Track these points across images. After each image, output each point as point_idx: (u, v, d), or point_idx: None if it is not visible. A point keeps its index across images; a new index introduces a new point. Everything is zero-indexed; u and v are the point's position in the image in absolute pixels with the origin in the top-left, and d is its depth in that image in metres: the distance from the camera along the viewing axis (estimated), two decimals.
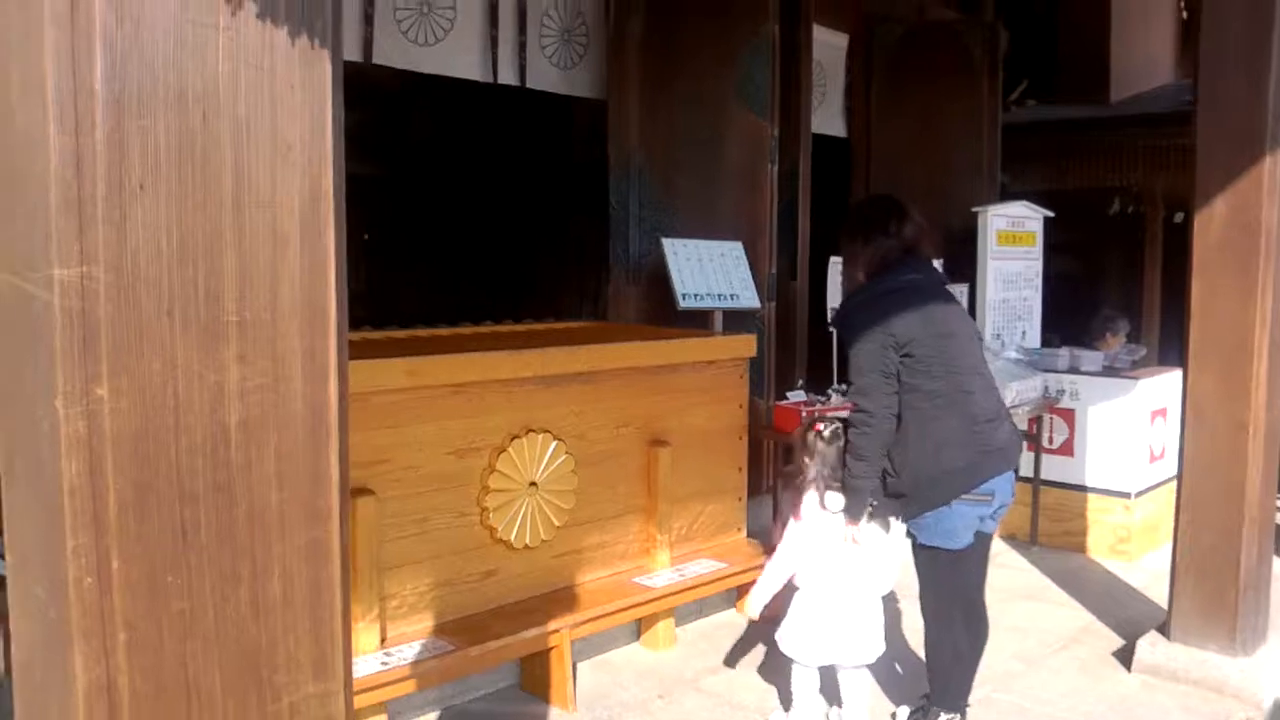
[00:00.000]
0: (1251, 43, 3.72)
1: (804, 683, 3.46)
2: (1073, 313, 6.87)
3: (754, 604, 3.50)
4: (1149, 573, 5.12)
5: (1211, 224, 3.84)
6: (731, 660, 4.04)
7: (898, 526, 3.37)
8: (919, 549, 3.26)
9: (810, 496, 3.42)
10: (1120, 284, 9.11)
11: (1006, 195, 7.13)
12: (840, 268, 4.14)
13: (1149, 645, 3.98)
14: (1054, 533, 5.63)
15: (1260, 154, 3.73)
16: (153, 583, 1.06)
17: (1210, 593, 3.87)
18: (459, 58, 5.02)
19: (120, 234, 1.02)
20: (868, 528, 3.34)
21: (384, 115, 9.00)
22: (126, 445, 1.04)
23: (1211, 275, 3.84)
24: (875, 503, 3.29)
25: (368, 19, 4.66)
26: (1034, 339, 6.61)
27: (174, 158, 1.04)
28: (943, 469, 3.14)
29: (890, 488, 3.23)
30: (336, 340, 1.14)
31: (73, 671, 1.03)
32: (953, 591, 3.28)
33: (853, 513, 3.29)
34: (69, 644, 1.03)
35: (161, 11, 1.03)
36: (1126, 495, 5.45)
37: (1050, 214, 6.72)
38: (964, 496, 3.13)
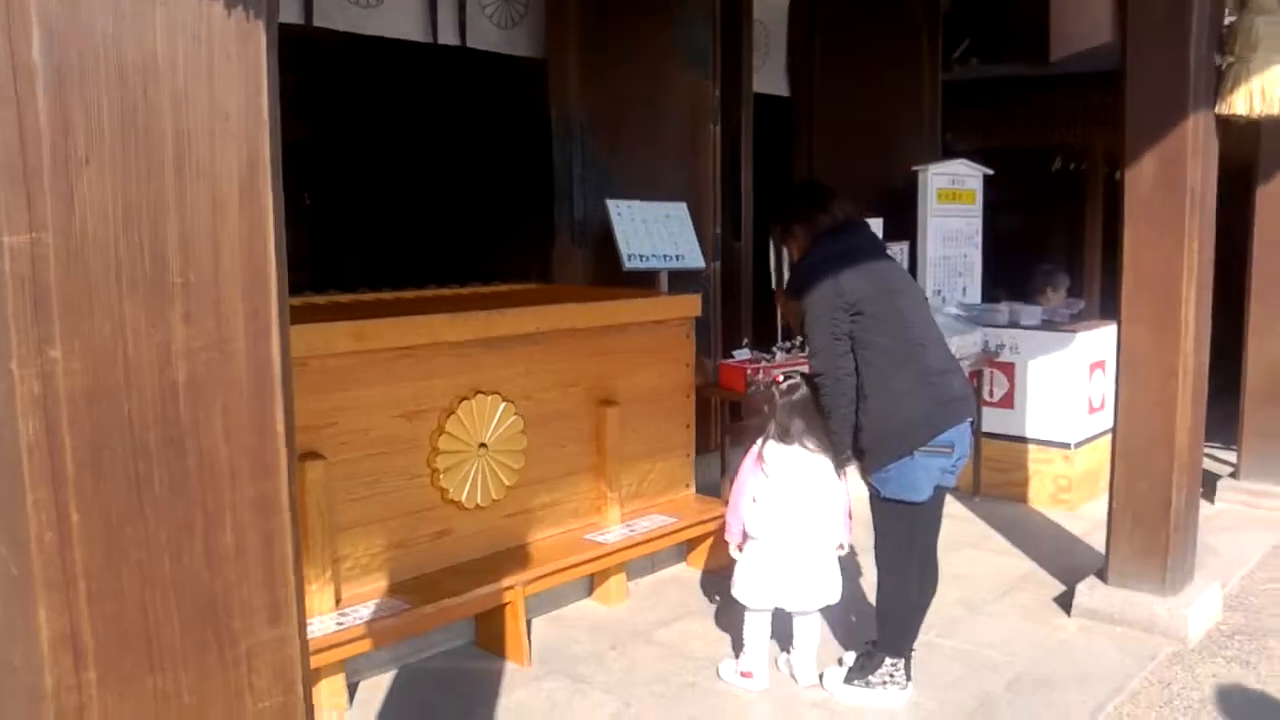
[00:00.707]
0: (1174, 4, 3.83)
1: (755, 628, 3.56)
2: (1018, 268, 7.01)
3: (731, 544, 3.61)
4: (1089, 521, 5.29)
5: (1140, 181, 3.96)
6: (685, 613, 4.14)
7: (851, 476, 3.48)
8: (881, 502, 3.35)
9: (767, 447, 3.51)
10: (1064, 240, 9.30)
11: (951, 154, 7.23)
12: (778, 243, 4.23)
13: (1087, 589, 4.14)
14: (996, 483, 5.79)
15: (1184, 113, 3.85)
16: (111, 534, 1.11)
17: (1144, 537, 4.03)
18: (400, 19, 4.99)
19: (67, 203, 1.06)
20: (816, 477, 3.44)
21: (324, 77, 8.91)
22: (80, 403, 1.09)
23: (1141, 229, 3.97)
24: (847, 454, 3.40)
25: None
26: (974, 295, 6.75)
27: (117, 129, 1.08)
28: (902, 420, 3.24)
29: (858, 442, 3.34)
30: (277, 301, 1.19)
31: (37, 623, 1.08)
32: (910, 543, 3.39)
33: (836, 461, 3.42)
34: (32, 596, 1.08)
35: None
36: (1066, 446, 5.62)
37: (989, 171, 6.84)
38: (924, 448, 3.24)
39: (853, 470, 3.48)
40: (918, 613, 3.48)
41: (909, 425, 3.23)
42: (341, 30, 4.88)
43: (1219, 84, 3.98)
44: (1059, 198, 9.10)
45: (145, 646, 1.14)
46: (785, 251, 3.76)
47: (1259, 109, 3.94)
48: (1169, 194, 3.90)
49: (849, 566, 3.91)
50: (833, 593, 3.53)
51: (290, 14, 4.61)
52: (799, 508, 3.45)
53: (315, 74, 8.95)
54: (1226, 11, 4.05)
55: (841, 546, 3.55)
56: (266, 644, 1.22)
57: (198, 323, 1.14)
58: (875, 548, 3.42)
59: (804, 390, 3.47)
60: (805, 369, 3.61)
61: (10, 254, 1.04)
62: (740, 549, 3.58)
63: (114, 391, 1.10)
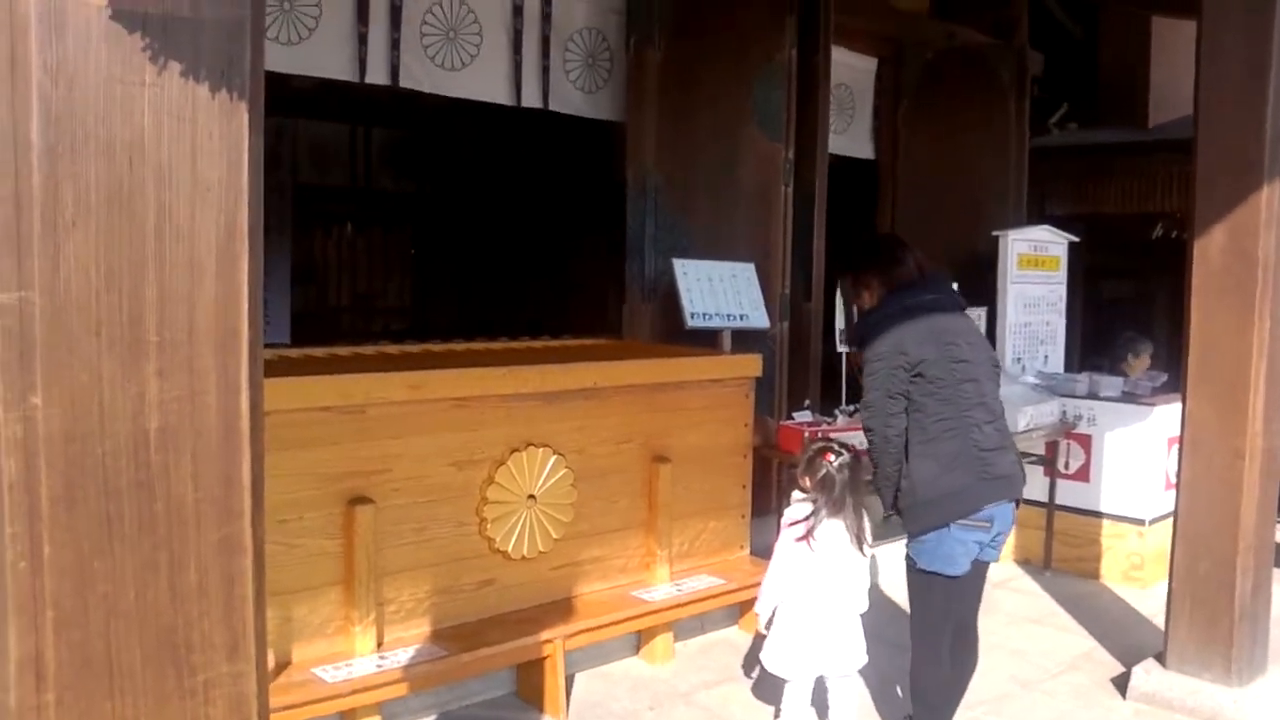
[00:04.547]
0: (1249, 72, 3.77)
1: (794, 698, 3.54)
2: (1119, 337, 6.85)
3: (761, 618, 3.61)
4: (1161, 600, 5.09)
5: (1210, 252, 3.88)
6: (729, 676, 4.12)
7: (868, 549, 3.48)
8: (916, 573, 3.30)
9: (793, 511, 3.52)
10: (1168, 309, 9.06)
11: (1047, 219, 7.14)
12: (849, 296, 4.21)
13: (1144, 673, 4.01)
14: (1067, 558, 5.64)
15: (1258, 182, 3.77)
16: (80, 567, 1.22)
17: (1205, 621, 3.89)
18: (484, 82, 5.21)
19: (54, 264, 1.18)
20: (848, 549, 3.44)
21: (427, 133, 9.29)
22: (58, 446, 1.20)
23: (1210, 304, 3.88)
24: (890, 514, 3.38)
25: (394, 44, 4.86)
26: (1057, 363, 6.63)
27: (103, 199, 1.20)
28: (942, 491, 3.20)
29: (897, 503, 3.32)
30: (249, 358, 1.29)
31: (6, 645, 1.19)
32: (944, 618, 3.32)
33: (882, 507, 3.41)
34: (4, 620, 1.19)
35: (93, 72, 1.19)
36: (1141, 522, 5.46)
37: (1075, 239, 6.74)
38: (962, 521, 3.19)
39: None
40: (954, 688, 3.41)
41: (949, 496, 3.19)
42: (427, 92, 5.11)
43: None
44: (1160, 265, 8.89)
45: (107, 673, 1.23)
46: (854, 308, 3.73)
47: None
48: (1240, 265, 3.81)
49: (898, 637, 3.86)
50: (862, 654, 3.52)
51: (377, 75, 4.85)
52: (834, 577, 3.44)
53: (423, 130, 9.35)
54: None
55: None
56: (224, 678, 1.30)
57: (171, 377, 1.25)
58: (910, 620, 3.38)
59: (853, 464, 3.47)
60: (845, 439, 3.61)
61: (1, 310, 1.16)
62: (768, 626, 3.57)
63: (89, 436, 1.21)
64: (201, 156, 1.25)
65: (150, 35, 1.19)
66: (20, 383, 1.17)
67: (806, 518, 3.46)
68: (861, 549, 3.46)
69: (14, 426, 1.17)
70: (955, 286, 5.36)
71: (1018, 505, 3.35)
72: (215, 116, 1.26)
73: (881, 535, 3.66)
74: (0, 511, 1.19)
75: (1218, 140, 3.85)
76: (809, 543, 3.44)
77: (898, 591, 3.59)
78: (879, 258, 3.50)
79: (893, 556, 3.58)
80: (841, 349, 4.76)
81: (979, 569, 3.34)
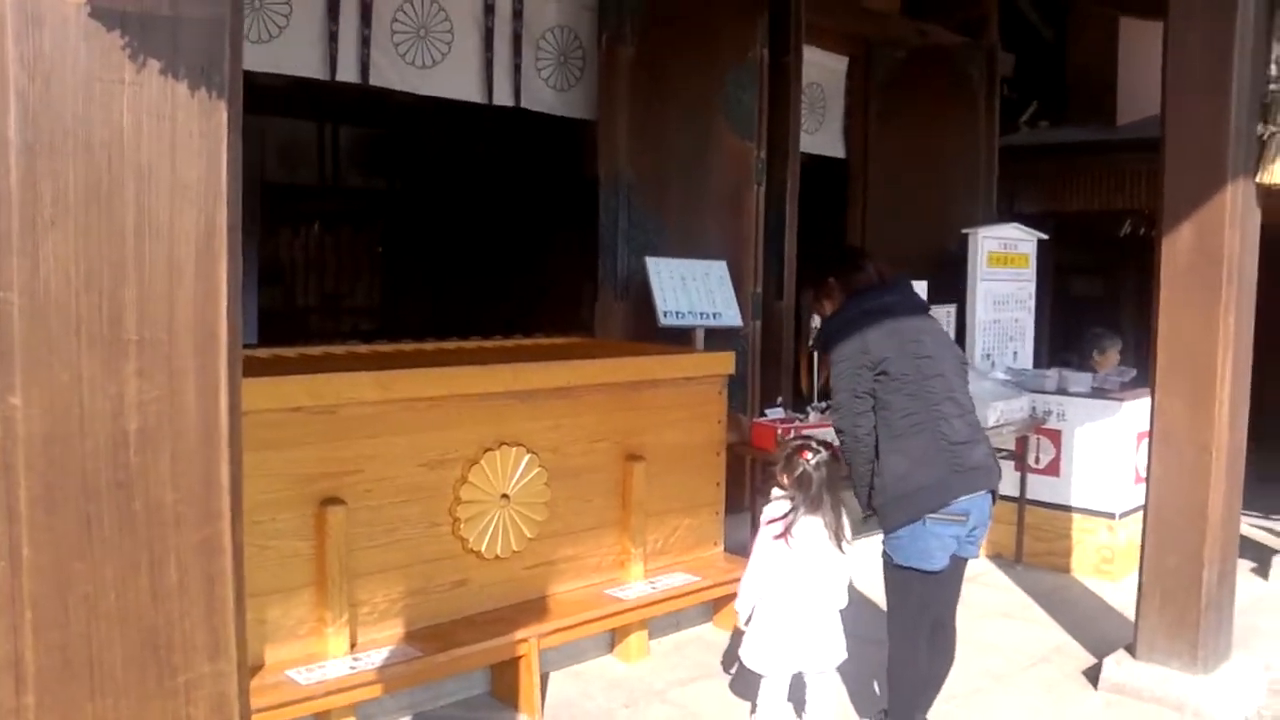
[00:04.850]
0: (1211, 69, 3.81)
1: (770, 693, 3.56)
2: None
3: (741, 615, 3.63)
4: (1131, 593, 5.15)
5: (1177, 249, 3.93)
6: (704, 673, 4.14)
7: (847, 546, 3.50)
8: (892, 569, 3.34)
9: (771, 509, 3.53)
10: (1137, 305, 9.17)
11: (1017, 217, 7.20)
12: (813, 308, 4.26)
13: (1115, 664, 4.06)
14: (1038, 552, 5.70)
15: (1223, 181, 3.82)
16: (59, 568, 1.21)
17: (1174, 612, 3.94)
18: (455, 80, 5.18)
19: (33, 263, 1.17)
20: (827, 546, 3.46)
21: (399, 131, 9.25)
22: (37, 447, 1.19)
23: (1177, 300, 3.93)
24: (868, 514, 3.41)
25: (365, 41, 4.83)
26: (1025, 359, 6.70)
27: (81, 197, 1.19)
28: (913, 485, 3.23)
29: (872, 501, 3.35)
30: (228, 359, 1.28)
31: None
32: (921, 613, 3.36)
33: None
34: None
35: (71, 70, 1.18)
36: (1111, 516, 5.52)
37: (1044, 236, 6.81)
38: (937, 515, 3.22)
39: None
40: (930, 683, 3.45)
41: (920, 490, 3.22)
42: (398, 90, 5.08)
43: (1260, 153, 3.93)
44: (1129, 262, 8.99)
45: (88, 674, 1.23)
46: (818, 318, 3.81)
47: None
48: (1206, 263, 3.86)
49: (875, 633, 3.89)
50: (841, 650, 3.53)
51: (348, 73, 4.82)
52: (812, 573, 3.46)
53: (393, 127, 9.30)
54: (1269, 81, 4.01)
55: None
56: (205, 678, 1.29)
57: (150, 377, 1.24)
58: (887, 615, 3.41)
59: (831, 462, 3.49)
60: (823, 435, 3.63)
61: None
62: (748, 623, 3.59)
63: (69, 437, 1.20)
64: (181, 155, 1.25)
65: (129, 33, 1.19)
66: (0, 382, 1.17)
67: (784, 515, 3.48)
68: (840, 546, 3.47)
69: None
70: (923, 287, 5.44)
71: (994, 500, 3.38)
72: (194, 115, 1.25)
73: (859, 531, 3.67)
74: None
75: (1184, 139, 3.90)
76: (787, 540, 3.45)
77: (874, 588, 3.61)
78: (838, 265, 3.61)
79: (869, 552, 3.59)
80: (814, 347, 4.78)
81: (957, 564, 3.37)
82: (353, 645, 3.40)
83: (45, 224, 1.17)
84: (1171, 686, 3.89)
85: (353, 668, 3.29)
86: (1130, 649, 4.07)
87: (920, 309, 3.52)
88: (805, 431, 4.51)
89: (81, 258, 1.20)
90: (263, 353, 4.15)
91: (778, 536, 3.47)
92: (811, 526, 3.46)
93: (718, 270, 5.15)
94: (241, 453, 1.32)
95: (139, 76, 1.21)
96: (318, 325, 9.55)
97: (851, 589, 3.62)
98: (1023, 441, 5.67)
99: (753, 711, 3.63)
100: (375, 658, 3.36)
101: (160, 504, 1.26)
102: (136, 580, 1.25)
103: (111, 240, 1.21)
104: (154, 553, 1.26)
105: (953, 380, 3.36)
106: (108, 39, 1.18)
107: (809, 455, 3.50)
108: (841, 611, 3.57)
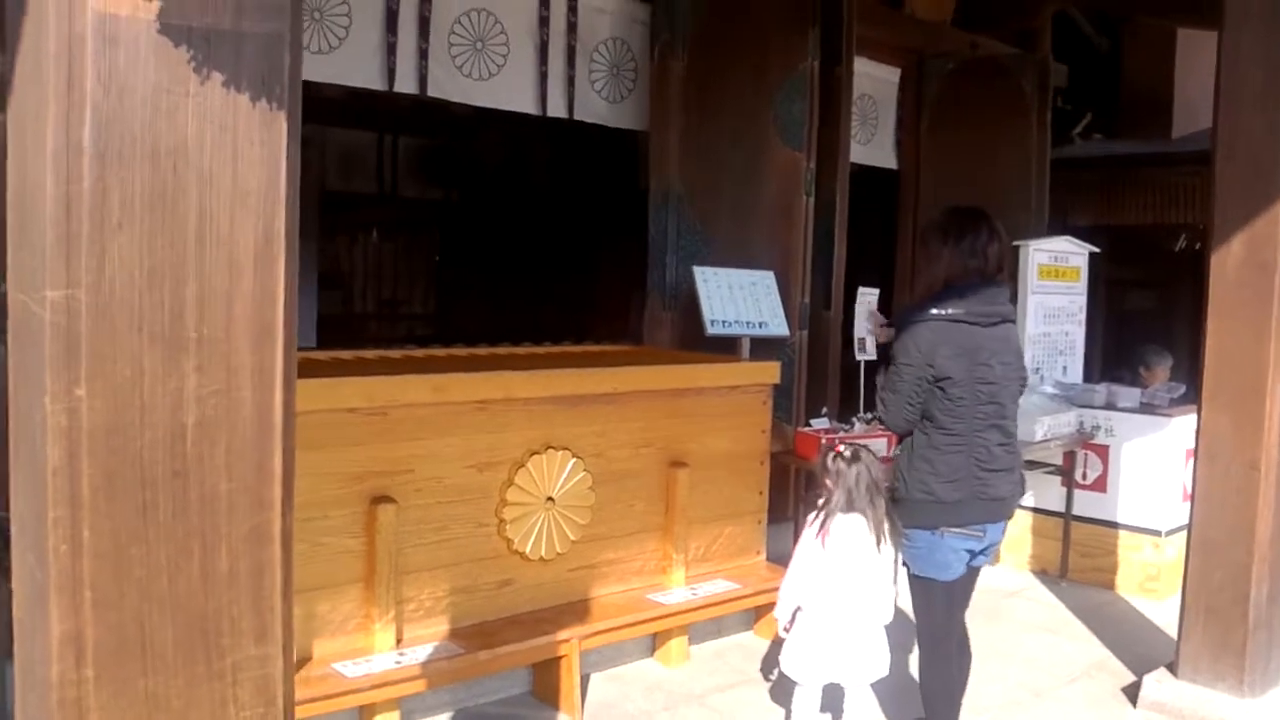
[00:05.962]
0: (1264, 80, 3.78)
1: (802, 701, 3.57)
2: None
3: (780, 619, 3.65)
4: (1175, 611, 5.10)
5: (1227, 263, 3.89)
6: (743, 680, 4.16)
7: (886, 545, 3.50)
8: (913, 580, 3.38)
9: (833, 520, 3.54)
10: (1189, 321, 9.03)
11: (1069, 230, 7.14)
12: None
13: (1155, 682, 4.02)
14: (1084, 568, 5.65)
15: (1275, 193, 3.78)
16: (117, 552, 1.29)
17: (1219, 631, 3.90)
18: (510, 91, 5.29)
19: (100, 264, 1.25)
20: (866, 549, 3.47)
21: (456, 141, 9.39)
22: (100, 437, 1.27)
23: (1227, 315, 3.89)
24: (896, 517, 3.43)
25: (422, 54, 4.95)
26: (1075, 374, 6.63)
27: (147, 202, 1.27)
28: (935, 498, 3.25)
29: (895, 497, 3.38)
30: (284, 356, 1.35)
31: (49, 622, 1.25)
32: (949, 619, 3.39)
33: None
34: (47, 600, 1.25)
35: (141, 83, 1.26)
36: (1157, 533, 5.46)
37: (1095, 249, 6.74)
38: (954, 529, 3.25)
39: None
40: (960, 687, 3.46)
41: (941, 505, 3.25)
42: (455, 101, 5.19)
43: None
44: (1183, 277, 8.86)
45: (140, 652, 1.30)
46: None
47: None
48: (1258, 277, 3.81)
49: (905, 642, 3.89)
50: (883, 665, 3.53)
51: (406, 84, 4.93)
52: (853, 580, 3.47)
53: (449, 138, 9.45)
54: None
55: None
56: (251, 660, 1.36)
57: (209, 372, 1.32)
58: (917, 626, 3.44)
59: (866, 459, 3.50)
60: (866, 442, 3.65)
61: (51, 306, 1.24)
62: (788, 629, 3.60)
63: (129, 428, 1.28)
64: (242, 163, 1.32)
65: (194, 48, 1.26)
66: (66, 375, 1.24)
67: (819, 512, 3.51)
68: (879, 546, 3.46)
69: (59, 417, 1.24)
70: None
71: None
72: (255, 125, 1.33)
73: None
74: (44, 497, 1.26)
75: (1236, 151, 3.87)
76: (823, 539, 3.48)
77: (900, 596, 3.62)
78: (962, 240, 3.31)
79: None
80: (860, 358, 4.78)
81: (971, 572, 3.40)
82: (399, 641, 3.48)
83: (113, 227, 1.25)
84: (1214, 708, 3.84)
85: (398, 662, 3.37)
86: (1171, 668, 4.03)
87: (1004, 318, 3.35)
88: (834, 438, 4.52)
89: (145, 259, 1.27)
90: (321, 355, 4.26)
91: (816, 536, 3.50)
92: (851, 528, 3.46)
93: (765, 280, 5.18)
94: (294, 445, 1.39)
95: (203, 89, 1.29)
96: (375, 331, 9.73)
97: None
98: (1070, 456, 5.62)
99: (786, 719, 3.65)
100: (420, 653, 3.44)
101: (215, 493, 1.33)
102: (189, 565, 1.32)
103: (174, 243, 1.29)
104: (206, 539, 1.33)
105: (1007, 406, 3.32)
106: (175, 54, 1.26)
107: (843, 449, 3.53)
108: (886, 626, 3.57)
